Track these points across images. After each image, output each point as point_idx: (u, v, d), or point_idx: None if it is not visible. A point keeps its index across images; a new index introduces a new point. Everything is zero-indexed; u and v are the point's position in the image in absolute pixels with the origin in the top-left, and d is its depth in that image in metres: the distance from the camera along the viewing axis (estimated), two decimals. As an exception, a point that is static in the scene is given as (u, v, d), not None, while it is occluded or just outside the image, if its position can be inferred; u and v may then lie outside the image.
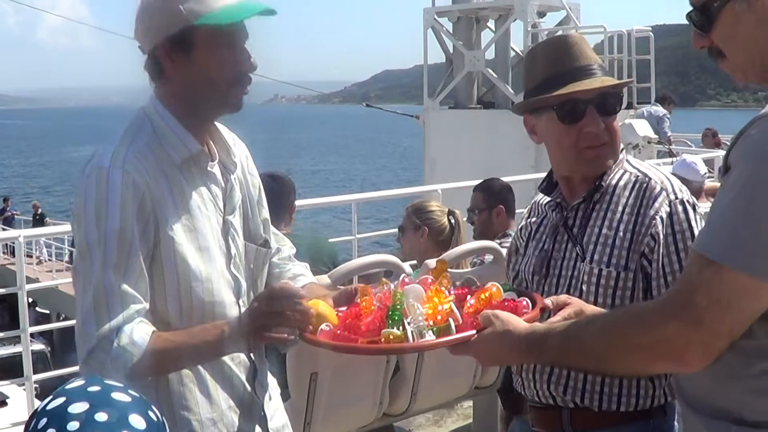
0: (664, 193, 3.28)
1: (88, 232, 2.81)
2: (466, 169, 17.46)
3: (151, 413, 2.10)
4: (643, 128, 16.78)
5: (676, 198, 3.28)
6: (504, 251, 5.77)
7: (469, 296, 2.89)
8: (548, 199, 3.58)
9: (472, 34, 25.69)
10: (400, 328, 2.64)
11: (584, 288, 3.29)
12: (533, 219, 3.69)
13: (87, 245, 2.81)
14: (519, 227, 3.83)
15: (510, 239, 6.30)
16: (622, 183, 3.36)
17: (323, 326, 2.76)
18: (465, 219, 6.58)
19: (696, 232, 3.18)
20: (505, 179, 7.45)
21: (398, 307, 2.68)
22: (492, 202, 6.63)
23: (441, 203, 6.74)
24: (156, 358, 2.77)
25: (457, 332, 2.66)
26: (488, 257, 5.95)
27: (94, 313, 2.77)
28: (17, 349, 8.02)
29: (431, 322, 2.65)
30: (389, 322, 2.66)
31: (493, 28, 25.78)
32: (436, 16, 25.46)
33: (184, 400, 2.97)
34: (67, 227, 12.57)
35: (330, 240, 7.48)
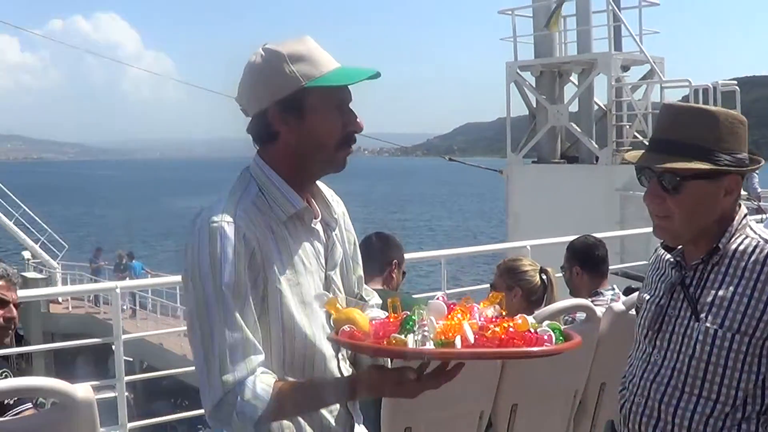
0: None
1: (204, 286, 2.86)
2: (550, 224, 17.40)
3: None
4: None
5: None
6: (597, 310, 5.73)
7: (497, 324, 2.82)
8: (669, 256, 3.52)
9: (555, 88, 25.74)
10: (407, 334, 2.67)
11: (697, 348, 3.23)
12: (655, 274, 3.63)
13: (204, 299, 2.86)
14: (645, 280, 3.76)
15: (601, 298, 6.27)
16: (741, 248, 3.28)
17: (345, 327, 2.81)
18: (561, 275, 6.56)
19: None
20: (604, 235, 7.42)
21: (413, 317, 2.70)
22: (570, 261, 6.64)
23: (532, 260, 6.69)
24: (277, 409, 2.83)
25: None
26: (580, 315, 5.92)
27: (218, 366, 2.83)
28: (109, 394, 8.09)
29: (442, 337, 2.64)
30: (401, 329, 2.68)
31: (576, 82, 25.79)
32: (518, 71, 25.56)
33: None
34: (156, 280, 12.75)
35: (415, 296, 7.47)
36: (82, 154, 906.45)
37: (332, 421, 3.12)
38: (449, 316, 2.75)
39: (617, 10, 24.40)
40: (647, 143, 3.40)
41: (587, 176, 23.79)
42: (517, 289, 6.05)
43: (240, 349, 2.84)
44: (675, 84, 24.40)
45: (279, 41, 3.07)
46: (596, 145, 24.27)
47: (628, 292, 6.58)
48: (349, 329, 2.79)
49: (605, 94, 24.62)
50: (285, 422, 3.00)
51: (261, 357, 2.87)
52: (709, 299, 3.25)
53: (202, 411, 7.32)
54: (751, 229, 3.36)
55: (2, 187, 37.46)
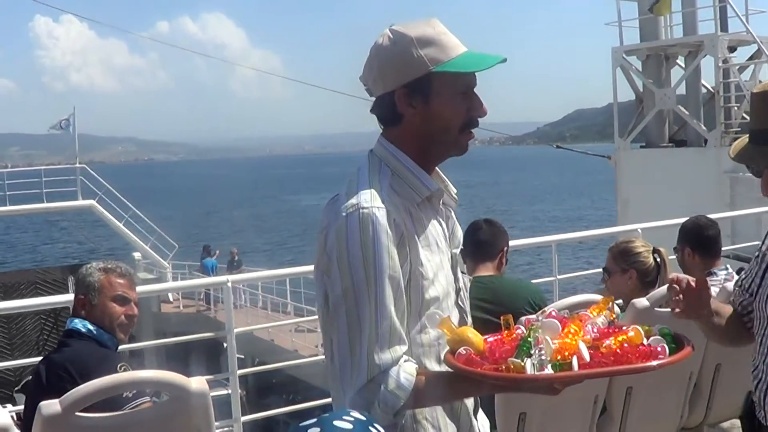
0: None
1: (355, 273, 2.84)
2: (660, 208, 17.25)
3: None
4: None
5: None
6: (711, 290, 5.75)
7: (611, 337, 2.79)
8: None
9: (661, 71, 25.49)
10: (524, 358, 2.65)
11: None
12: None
13: (354, 285, 2.85)
14: (756, 257, 3.71)
15: (715, 278, 6.26)
16: None
17: (461, 350, 2.80)
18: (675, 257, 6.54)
19: None
20: (716, 216, 7.40)
21: (529, 339, 2.69)
22: (681, 241, 6.60)
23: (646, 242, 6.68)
24: (417, 400, 2.86)
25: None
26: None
27: (365, 353, 2.84)
28: (221, 391, 8.19)
29: (558, 357, 2.64)
30: (518, 352, 2.67)
31: (683, 65, 25.51)
32: (624, 55, 25.37)
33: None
34: (269, 272, 12.82)
35: (533, 281, 7.51)
36: (192, 153, 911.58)
37: (462, 403, 3.18)
38: (564, 333, 2.75)
39: (723, -9, 24.13)
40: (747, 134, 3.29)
41: (696, 159, 23.56)
42: (632, 271, 6.01)
43: (387, 337, 2.84)
44: (784, 63, 24.06)
45: (407, 23, 3.06)
46: (704, 128, 24.02)
47: (741, 272, 6.56)
48: (465, 352, 2.78)
49: (712, 76, 24.40)
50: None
51: (405, 347, 2.88)
52: None
53: (313, 404, 7.41)
54: None
55: (112, 189, 37.91)
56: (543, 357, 2.64)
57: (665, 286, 5.60)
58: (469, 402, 3.22)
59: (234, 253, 40.06)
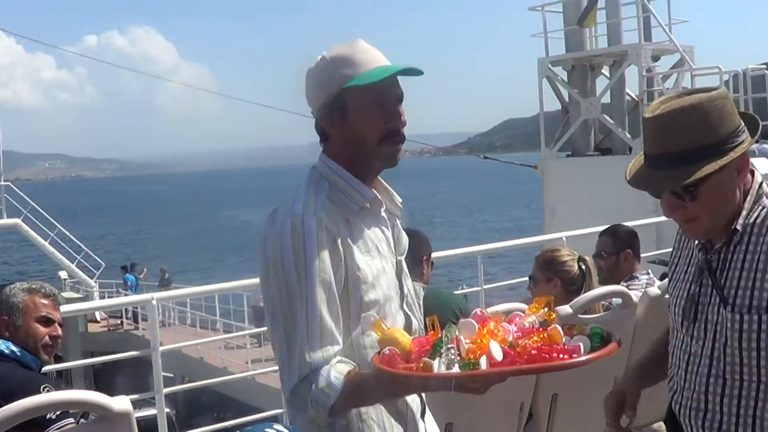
0: None
1: (288, 276, 3.00)
2: (586, 216, 17.43)
3: None
4: (764, 166, 16.59)
5: None
6: (632, 294, 5.82)
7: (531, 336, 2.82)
8: None
9: (586, 81, 25.82)
10: (436, 358, 2.69)
11: (728, 335, 3.18)
12: (680, 252, 3.59)
13: (287, 288, 3.00)
14: (671, 259, 3.70)
15: (637, 282, 6.35)
16: (759, 220, 3.19)
17: (385, 350, 2.84)
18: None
19: None
20: (635, 223, 7.49)
21: (443, 338, 2.72)
22: (619, 246, 6.67)
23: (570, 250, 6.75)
24: (350, 398, 2.93)
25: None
26: (616, 301, 5.98)
27: (297, 353, 2.96)
28: (148, 412, 8.12)
29: (471, 357, 2.66)
30: (432, 352, 2.71)
31: (608, 75, 25.83)
32: (550, 66, 25.65)
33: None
34: (195, 289, 12.73)
35: (456, 292, 7.55)
36: (122, 169, 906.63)
37: (409, 405, 3.27)
38: (481, 333, 2.76)
39: (646, 1, 24.44)
40: (647, 159, 3.28)
41: (621, 167, 23.07)
42: (557, 279, 6.05)
43: (318, 337, 2.95)
44: (705, 71, 24.42)
45: (334, 47, 3.24)
46: (629, 136, 24.37)
47: (664, 278, 6.65)
48: (389, 351, 2.81)
49: (636, 84, 24.72)
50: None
51: (338, 347, 2.99)
52: (735, 282, 3.18)
53: (244, 420, 7.43)
54: (767, 196, 3.25)
55: (37, 207, 37.50)
56: (452, 356, 2.66)
57: (587, 294, 5.69)
58: (415, 404, 3.31)
59: (163, 270, 39.96)
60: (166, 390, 7.29)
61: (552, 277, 6.09)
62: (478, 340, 2.71)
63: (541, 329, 2.83)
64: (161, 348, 7.20)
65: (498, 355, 2.63)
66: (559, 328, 2.78)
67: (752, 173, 3.26)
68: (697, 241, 3.38)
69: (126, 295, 32.21)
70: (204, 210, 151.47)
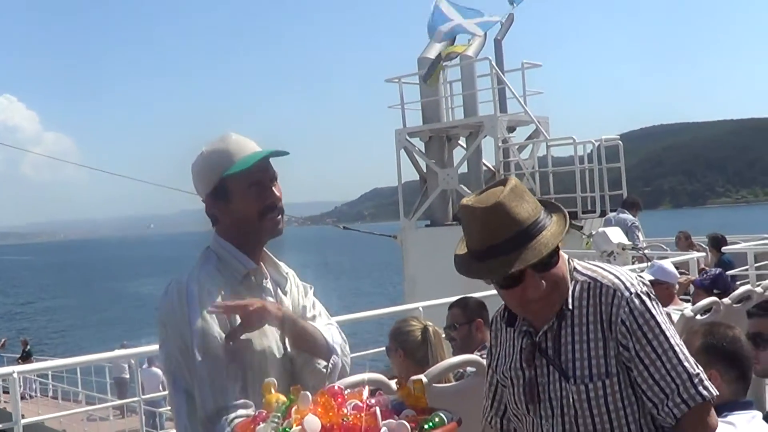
0: (617, 293, 3.33)
1: (181, 336, 3.41)
2: (445, 285, 17.53)
3: None
4: (617, 236, 16.98)
5: (630, 294, 3.33)
6: (485, 363, 5.91)
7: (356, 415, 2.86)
8: (511, 328, 3.62)
9: (444, 152, 26.14)
10: (265, 425, 2.85)
11: (577, 406, 3.32)
12: (497, 350, 3.74)
13: (181, 348, 3.41)
14: (490, 361, 3.86)
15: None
16: (577, 294, 3.37)
17: (262, 411, 2.98)
18: (443, 336, 6.70)
19: (657, 318, 3.31)
20: (486, 293, 7.61)
21: (282, 408, 2.91)
22: (470, 316, 6.76)
23: (423, 320, 6.82)
24: None
25: None
26: (470, 369, 6.05)
27: (200, 404, 3.37)
28: None
29: (291, 426, 2.77)
30: (269, 419, 2.87)
31: (465, 145, 26.21)
32: (408, 137, 25.88)
33: None
34: (57, 362, 12.53)
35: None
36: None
37: None
38: (315, 406, 2.85)
39: (501, 74, 24.94)
40: (471, 253, 3.42)
41: (479, 237, 24.05)
42: (400, 350, 6.17)
43: (212, 390, 3.34)
44: (560, 142, 24.90)
45: (209, 142, 3.72)
46: (487, 206, 24.63)
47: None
48: (258, 414, 2.97)
49: (493, 155, 25.07)
50: None
51: (232, 395, 3.37)
52: (570, 356, 3.36)
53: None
54: (577, 271, 3.46)
55: None
56: (275, 425, 2.82)
57: (441, 363, 5.77)
58: None
59: (24, 342, 39.20)
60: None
61: (396, 347, 6.20)
62: (304, 412, 2.81)
63: (370, 408, 2.86)
64: (23, 421, 7.09)
65: (311, 428, 2.73)
66: (378, 411, 2.81)
67: (557, 250, 3.40)
68: (517, 330, 3.57)
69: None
70: (81, 279, 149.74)
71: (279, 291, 3.79)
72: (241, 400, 3.38)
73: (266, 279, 3.74)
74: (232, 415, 3.29)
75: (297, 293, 3.93)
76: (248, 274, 3.66)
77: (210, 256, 3.66)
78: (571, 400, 3.33)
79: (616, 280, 3.38)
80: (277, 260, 3.86)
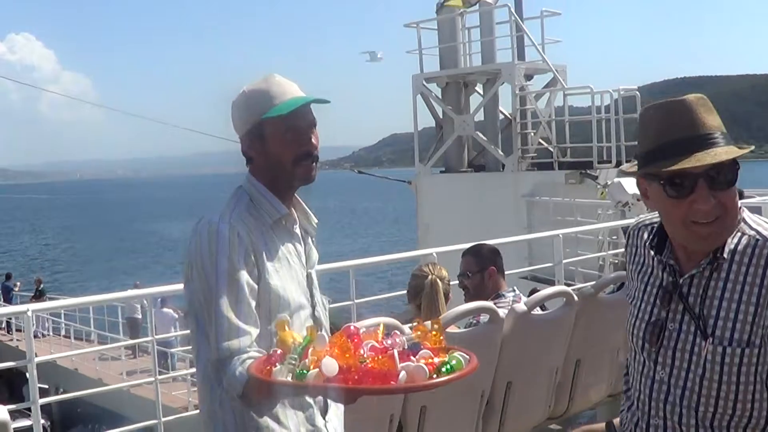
0: None
1: (206, 276, 3.43)
2: (460, 231, 17.63)
3: None
4: (632, 186, 16.90)
5: None
6: (500, 311, 5.94)
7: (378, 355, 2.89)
8: (653, 253, 3.30)
9: (460, 98, 26.09)
10: (282, 367, 2.90)
11: (708, 366, 3.08)
12: (637, 269, 3.43)
13: (206, 287, 3.43)
14: (627, 274, 3.54)
15: (503, 300, 6.47)
16: (740, 248, 3.07)
17: (277, 350, 3.02)
18: (457, 284, 6.72)
19: None
20: (499, 241, 7.65)
21: (299, 349, 2.92)
22: (483, 264, 6.76)
23: (434, 267, 6.83)
24: (256, 393, 3.21)
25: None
26: (484, 318, 6.08)
27: (215, 345, 3.37)
28: (23, 423, 8.04)
29: (312, 367, 2.81)
30: (286, 359, 2.92)
31: (482, 92, 26.14)
32: (424, 82, 25.83)
33: (255, 418, 3.48)
34: (70, 301, 12.57)
35: (330, 305, 7.58)
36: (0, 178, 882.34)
37: (311, 401, 3.59)
38: (331, 346, 2.88)
39: (520, 21, 24.84)
40: (666, 146, 3.06)
41: (494, 184, 24.09)
42: (414, 292, 6.26)
43: (228, 331, 3.34)
44: (577, 91, 24.81)
45: (252, 81, 3.70)
46: (502, 153, 24.61)
47: (533, 293, 6.76)
48: (275, 352, 2.99)
49: (510, 102, 25.03)
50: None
51: (248, 339, 3.36)
52: (714, 312, 3.09)
53: (119, 431, 7.33)
54: (746, 223, 3.14)
55: None
56: (291, 365, 2.86)
57: (456, 309, 5.80)
58: (318, 403, 3.64)
59: (38, 281, 39.27)
60: (42, 401, 7.18)
61: (410, 290, 6.29)
62: (321, 353, 2.85)
63: (387, 350, 2.88)
64: (37, 359, 7.12)
65: (328, 370, 2.77)
66: (396, 354, 2.84)
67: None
68: (660, 261, 3.26)
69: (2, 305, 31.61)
70: (102, 220, 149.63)
71: (309, 240, 3.82)
72: (256, 348, 3.37)
73: (296, 225, 3.74)
74: (245, 356, 3.29)
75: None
76: (279, 219, 3.64)
77: (242, 197, 3.66)
78: (703, 359, 3.08)
79: None
80: (307, 208, 3.84)
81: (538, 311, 6.39)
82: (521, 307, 6.07)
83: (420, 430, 5.75)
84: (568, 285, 9.37)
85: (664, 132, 3.05)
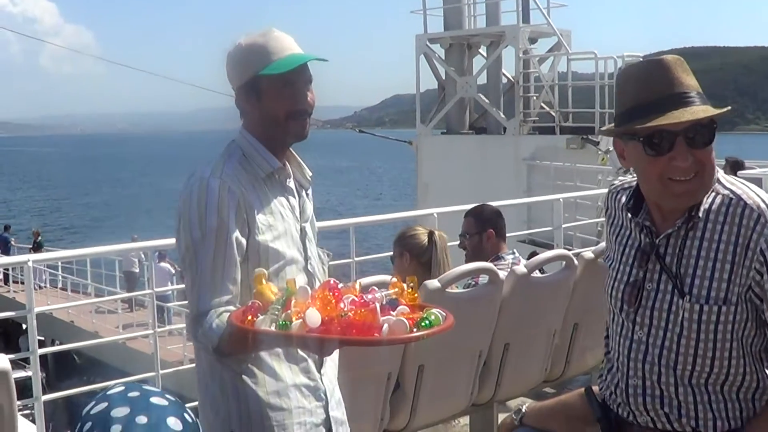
0: (762, 218, 3.04)
1: (192, 231, 3.43)
2: (459, 193, 17.62)
3: (186, 415, 2.33)
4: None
5: None
6: (500, 272, 5.95)
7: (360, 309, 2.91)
8: (630, 215, 3.34)
9: (463, 60, 26.03)
10: (262, 316, 2.94)
11: (685, 325, 3.13)
12: (615, 232, 3.49)
13: (192, 241, 3.43)
14: (606, 236, 3.63)
15: (503, 262, 6.48)
16: (714, 207, 3.11)
17: (251, 301, 3.07)
18: (457, 244, 6.72)
19: None
20: (499, 203, 7.62)
21: (281, 300, 2.96)
22: (483, 226, 6.75)
23: (437, 227, 6.83)
24: (232, 344, 3.26)
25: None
26: (482, 279, 6.09)
27: (196, 296, 3.41)
28: (21, 374, 8.06)
29: (294, 318, 2.84)
30: (269, 309, 2.95)
31: (485, 55, 26.10)
32: (428, 43, 25.77)
33: (252, 371, 3.50)
34: (70, 252, 12.56)
35: (330, 263, 7.59)
36: (2, 130, 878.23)
37: (305, 354, 3.58)
38: (314, 299, 2.92)
39: (526, -17, 24.76)
40: (645, 105, 3.08)
41: (495, 146, 24.12)
42: (406, 253, 6.22)
43: (210, 287, 3.37)
44: (581, 56, 24.81)
45: (249, 33, 3.67)
46: (504, 116, 24.63)
47: (532, 257, 6.76)
48: (252, 304, 3.03)
49: (513, 66, 24.99)
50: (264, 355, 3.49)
51: (227, 296, 3.38)
52: (690, 270, 3.14)
53: (114, 382, 7.50)
54: (720, 183, 3.17)
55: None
56: (275, 316, 2.90)
57: (455, 269, 5.81)
58: (310, 356, 3.61)
59: (36, 233, 39.32)
60: (40, 351, 7.21)
61: (402, 251, 6.25)
62: (303, 305, 2.90)
63: (368, 304, 2.91)
64: (36, 309, 7.14)
65: (312, 321, 2.80)
66: (378, 308, 2.88)
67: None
68: (637, 222, 3.31)
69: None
70: (121, 176, 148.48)
71: (303, 193, 3.81)
72: (234, 306, 3.36)
73: (289, 179, 3.73)
74: (221, 309, 3.33)
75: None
76: (272, 173, 3.63)
77: (234, 151, 3.65)
78: (680, 317, 3.14)
79: (763, 204, 3.07)
80: (302, 162, 3.83)
81: (537, 274, 6.39)
82: (521, 269, 6.07)
83: (417, 389, 5.76)
84: (567, 249, 9.37)
85: (641, 91, 3.10)
